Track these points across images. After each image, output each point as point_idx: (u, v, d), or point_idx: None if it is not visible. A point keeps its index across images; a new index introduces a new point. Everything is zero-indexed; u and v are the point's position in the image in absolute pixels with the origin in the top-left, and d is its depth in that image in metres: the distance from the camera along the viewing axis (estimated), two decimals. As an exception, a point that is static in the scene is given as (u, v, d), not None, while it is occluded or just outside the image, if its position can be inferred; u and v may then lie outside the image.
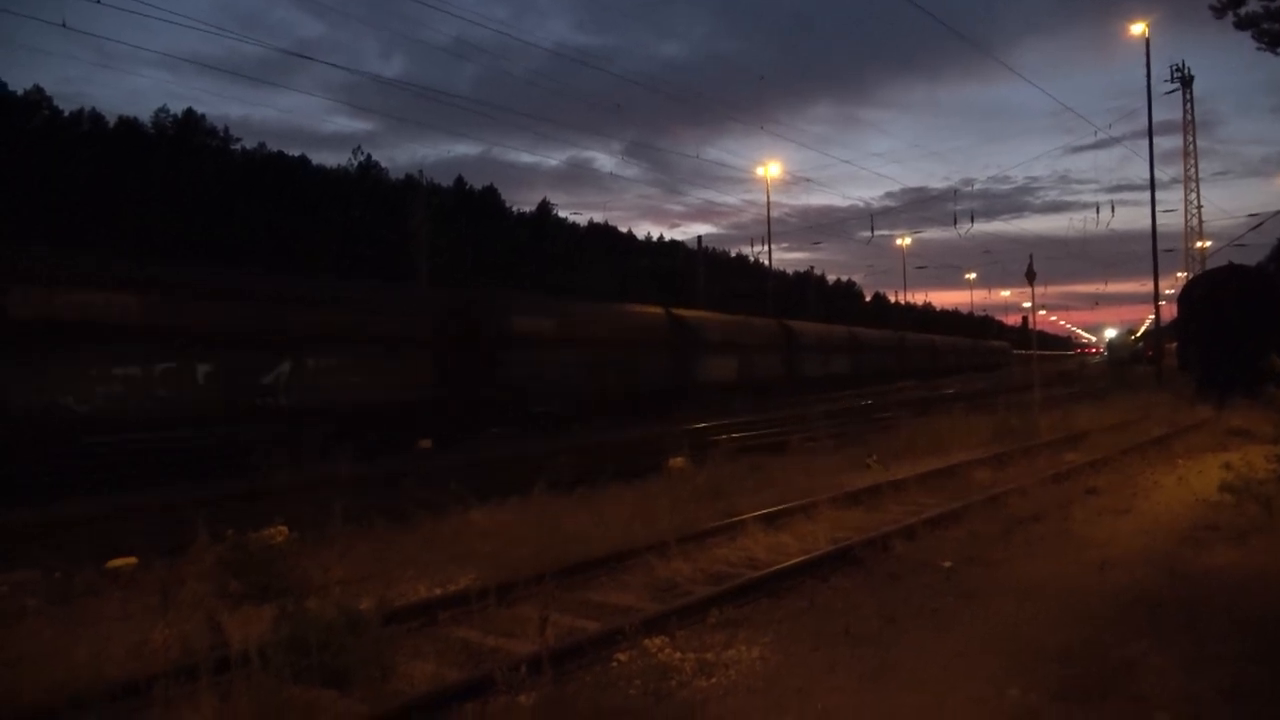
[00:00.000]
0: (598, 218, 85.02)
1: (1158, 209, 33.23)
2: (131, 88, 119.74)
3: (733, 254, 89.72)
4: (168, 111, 51.18)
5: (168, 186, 40.99)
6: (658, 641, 5.22)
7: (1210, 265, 37.73)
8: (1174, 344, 32.27)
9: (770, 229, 47.93)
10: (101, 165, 39.67)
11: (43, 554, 7.08)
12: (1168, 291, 47.19)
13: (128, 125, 47.55)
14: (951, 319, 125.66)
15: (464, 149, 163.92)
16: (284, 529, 7.81)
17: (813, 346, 41.21)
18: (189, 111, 51.30)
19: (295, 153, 59.05)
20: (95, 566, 7.05)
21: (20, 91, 43.81)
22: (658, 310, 30.29)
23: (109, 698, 4.25)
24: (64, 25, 17.33)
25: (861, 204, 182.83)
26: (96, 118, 47.46)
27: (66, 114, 46.43)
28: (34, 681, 4.68)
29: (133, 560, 7.34)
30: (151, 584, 6.41)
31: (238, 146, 53.32)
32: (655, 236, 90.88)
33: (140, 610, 5.97)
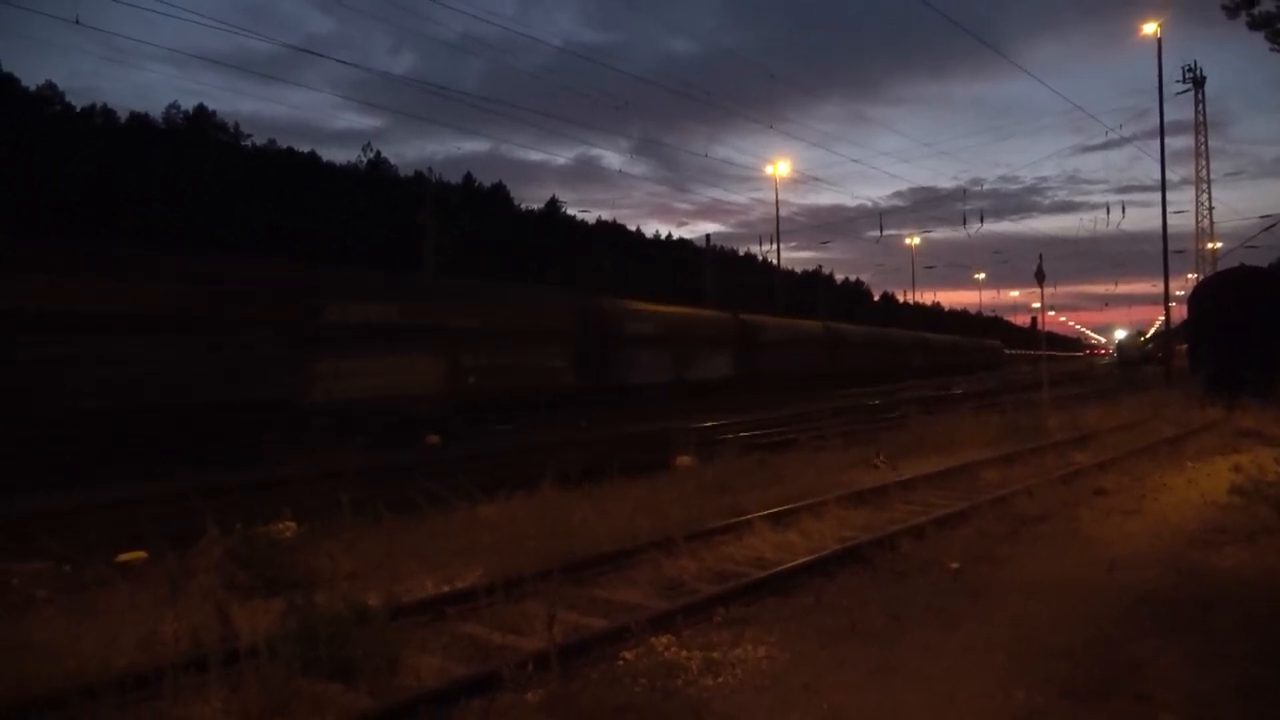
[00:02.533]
0: (606, 215, 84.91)
1: (1169, 209, 33.09)
2: (140, 83, 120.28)
3: (741, 253, 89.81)
4: (179, 107, 51.50)
5: (169, 183, 41.17)
6: (664, 639, 5.23)
7: (1221, 266, 37.54)
8: (1184, 345, 32.14)
9: (779, 227, 47.84)
10: (104, 161, 39.86)
11: (52, 544, 7.12)
12: (1178, 292, 46.93)
13: (139, 121, 47.80)
14: (934, 314, 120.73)
15: (472, 146, 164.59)
16: (292, 524, 7.84)
17: (650, 339, 28.43)
18: (200, 107, 51.62)
19: (305, 149, 59.27)
20: (105, 559, 7.09)
21: (33, 87, 44.07)
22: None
23: (119, 688, 4.27)
24: (77, 22, 17.35)
25: (870, 203, 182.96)
26: (108, 113, 47.74)
27: (79, 110, 46.75)
28: (44, 671, 4.71)
29: (142, 554, 7.38)
30: (160, 576, 6.43)
31: (248, 143, 53.62)
32: (664, 234, 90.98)
33: (149, 602, 6.00)
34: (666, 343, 29.94)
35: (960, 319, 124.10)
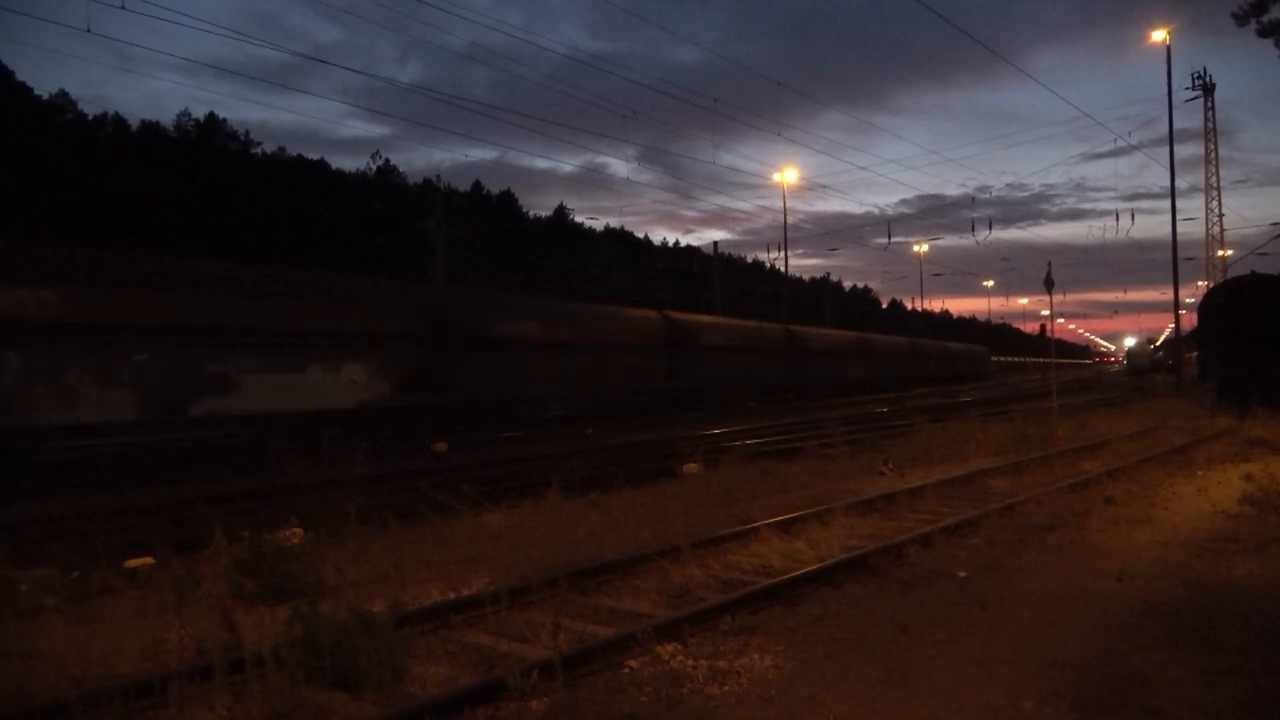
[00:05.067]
0: (614, 223, 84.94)
1: (1178, 217, 32.93)
2: (150, 91, 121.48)
3: (749, 260, 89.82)
4: (189, 115, 51.86)
5: (180, 189, 41.44)
6: (670, 648, 5.21)
7: (1232, 274, 37.35)
8: (1194, 353, 31.98)
9: (787, 234, 47.80)
10: (117, 167, 40.15)
11: (60, 551, 7.15)
12: (1188, 300, 46.80)
13: (150, 129, 48.13)
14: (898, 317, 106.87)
15: (480, 154, 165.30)
16: (298, 530, 7.85)
17: (152, 333, 14.82)
18: (210, 115, 51.97)
19: (314, 156, 59.58)
20: (112, 565, 7.11)
21: (46, 95, 44.42)
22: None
23: (123, 696, 4.28)
24: (88, 31, 17.50)
25: (877, 210, 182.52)
26: (120, 122, 48.08)
27: (90, 118, 47.10)
28: (49, 678, 4.73)
29: (149, 560, 7.40)
30: (167, 582, 6.45)
31: (258, 150, 53.97)
32: (670, 242, 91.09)
33: (156, 608, 6.01)
34: (199, 340, 15.55)
35: (945, 324, 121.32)
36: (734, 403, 31.20)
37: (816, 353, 40.68)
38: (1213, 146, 42.44)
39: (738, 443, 17.36)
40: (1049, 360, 34.95)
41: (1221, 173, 43.56)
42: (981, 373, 71.08)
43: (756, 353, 35.26)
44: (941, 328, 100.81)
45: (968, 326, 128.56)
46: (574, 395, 24.75)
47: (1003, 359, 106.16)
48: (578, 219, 75.08)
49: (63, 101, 45.87)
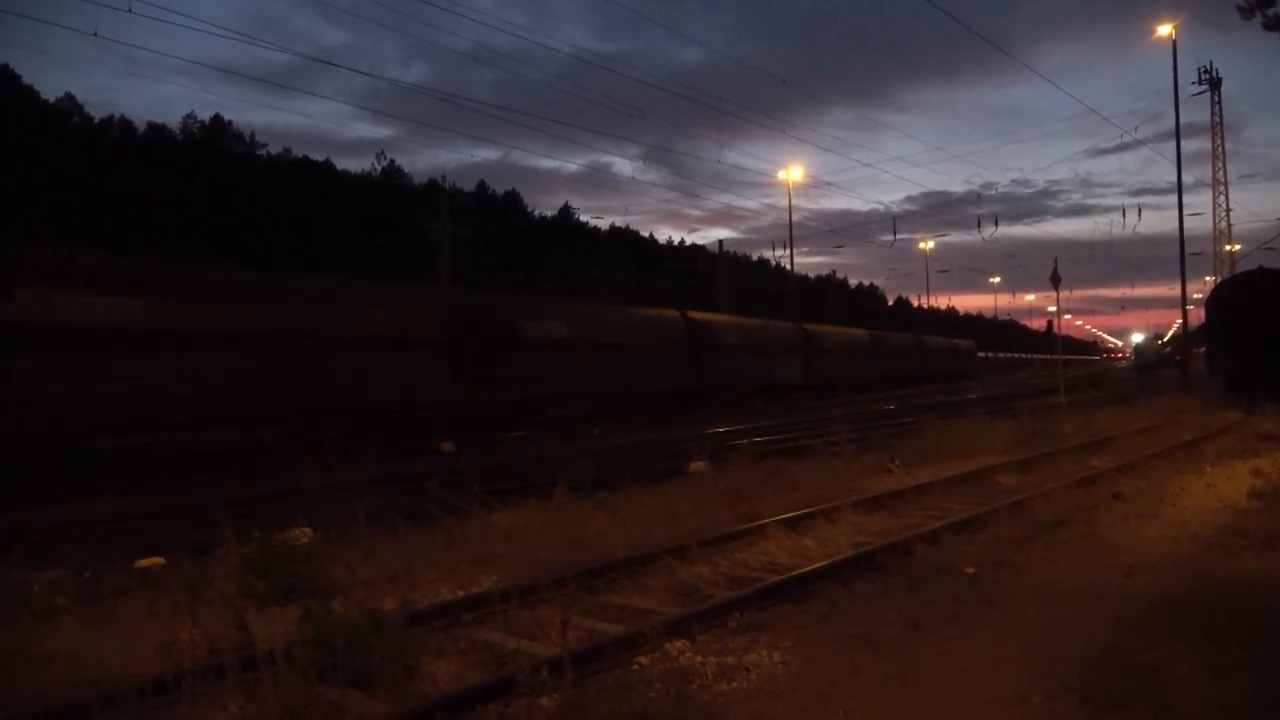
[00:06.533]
0: (618, 222, 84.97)
1: (1185, 212, 32.83)
2: (156, 95, 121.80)
3: (754, 258, 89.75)
4: (195, 118, 52.04)
5: (185, 191, 41.53)
6: (679, 645, 5.23)
7: (1239, 269, 37.20)
8: (1202, 348, 31.89)
9: (792, 232, 47.72)
10: (122, 169, 40.26)
11: (72, 553, 7.19)
12: (1196, 295, 46.57)
13: (157, 132, 48.30)
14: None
15: (485, 154, 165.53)
16: (308, 530, 7.88)
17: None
18: (216, 118, 52.14)
19: (319, 158, 59.73)
20: (124, 566, 7.15)
21: (52, 99, 44.57)
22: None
23: (138, 695, 4.31)
24: (95, 35, 17.59)
25: (882, 207, 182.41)
26: (126, 124, 48.25)
27: (97, 121, 47.26)
28: (64, 679, 4.76)
29: (160, 560, 7.44)
30: (179, 583, 6.48)
31: (264, 152, 54.12)
32: (675, 240, 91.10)
33: (168, 609, 6.04)
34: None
35: (951, 321, 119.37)
36: (576, 418, 23.84)
37: (730, 348, 32.05)
38: (1220, 141, 42.28)
39: (744, 441, 17.37)
40: (1055, 357, 34.06)
41: (1229, 167, 43.43)
42: (967, 371, 63.91)
43: (635, 349, 26.94)
44: (947, 325, 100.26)
45: (974, 323, 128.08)
46: (280, 411, 16.88)
47: (1008, 355, 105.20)
48: (583, 218, 75.15)
49: (69, 105, 46.05)
